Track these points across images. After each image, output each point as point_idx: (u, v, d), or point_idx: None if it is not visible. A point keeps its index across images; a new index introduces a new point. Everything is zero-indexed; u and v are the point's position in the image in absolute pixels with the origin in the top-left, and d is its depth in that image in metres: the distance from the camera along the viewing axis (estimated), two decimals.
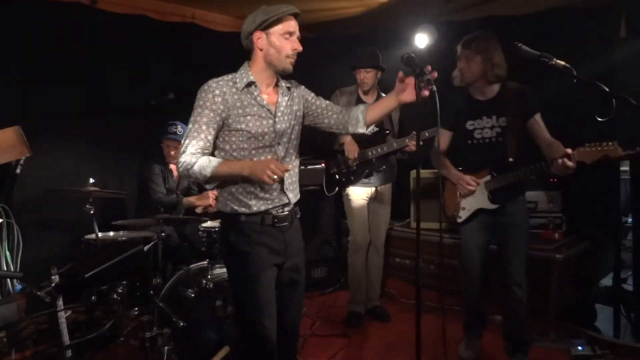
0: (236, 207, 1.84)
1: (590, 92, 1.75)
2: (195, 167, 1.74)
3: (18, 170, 2.58)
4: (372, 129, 3.22)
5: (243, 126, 1.80)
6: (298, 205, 2.01)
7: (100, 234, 2.94)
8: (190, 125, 1.80)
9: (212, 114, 1.78)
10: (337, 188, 3.35)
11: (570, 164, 2.16)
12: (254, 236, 1.83)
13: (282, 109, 1.90)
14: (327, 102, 2.07)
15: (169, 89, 3.57)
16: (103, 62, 3.55)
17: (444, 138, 2.71)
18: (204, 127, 1.78)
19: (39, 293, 1.63)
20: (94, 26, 3.51)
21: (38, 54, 3.26)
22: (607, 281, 3.54)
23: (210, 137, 1.80)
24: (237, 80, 1.84)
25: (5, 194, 2.54)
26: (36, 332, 1.48)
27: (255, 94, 1.84)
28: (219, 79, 1.85)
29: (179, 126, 3.44)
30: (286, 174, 1.85)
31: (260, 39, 1.81)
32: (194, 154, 1.76)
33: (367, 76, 3.23)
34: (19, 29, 3.17)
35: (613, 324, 3.02)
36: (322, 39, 4.50)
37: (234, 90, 1.82)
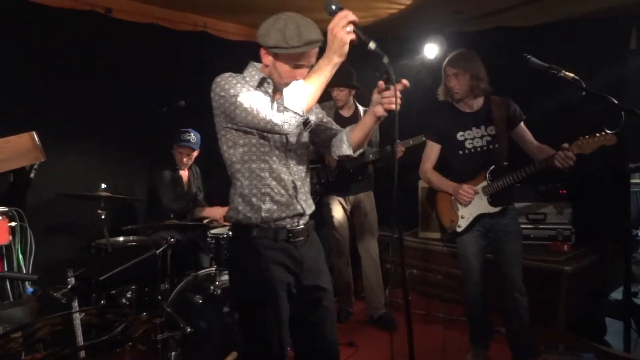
0: (249, 214, 1.69)
1: (599, 104, 1.76)
2: (287, 103, 1.51)
3: (32, 175, 2.62)
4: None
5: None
6: (313, 217, 1.90)
7: (110, 239, 2.98)
8: (238, 92, 1.57)
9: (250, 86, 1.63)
10: (317, 197, 3.42)
11: (570, 154, 2.25)
12: (267, 253, 1.69)
13: None
14: (328, 117, 1.95)
15: (180, 97, 3.64)
16: (116, 70, 3.62)
17: (433, 151, 2.77)
18: (255, 89, 1.61)
19: (55, 294, 1.66)
20: (108, 34, 3.58)
21: (53, 61, 3.33)
22: (617, 294, 3.50)
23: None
24: (248, 78, 1.70)
25: (19, 197, 2.59)
26: (50, 334, 1.51)
27: (270, 91, 1.69)
28: (228, 73, 1.68)
29: (192, 133, 3.48)
30: (298, 182, 1.76)
31: (265, 58, 1.67)
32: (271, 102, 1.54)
33: (340, 94, 3.36)
34: (35, 36, 3.25)
35: (623, 338, 2.97)
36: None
37: (246, 82, 1.66)
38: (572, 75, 1.79)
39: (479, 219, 2.65)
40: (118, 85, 3.63)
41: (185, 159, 3.52)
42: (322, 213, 3.52)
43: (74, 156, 3.51)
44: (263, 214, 1.69)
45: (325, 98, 3.47)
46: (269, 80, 1.69)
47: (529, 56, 1.94)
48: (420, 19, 3.96)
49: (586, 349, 2.81)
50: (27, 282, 2.44)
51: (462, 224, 2.68)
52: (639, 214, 3.54)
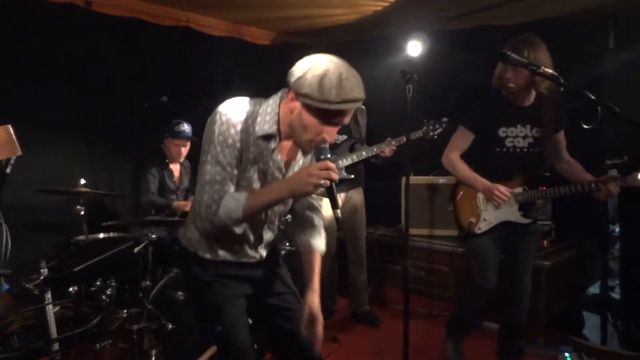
0: (201, 250, 1.60)
1: (577, 101, 1.79)
2: (221, 212, 1.43)
3: (8, 170, 2.55)
4: (342, 137, 3.26)
5: (247, 174, 1.51)
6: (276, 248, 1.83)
7: (89, 235, 2.93)
8: (207, 166, 1.45)
9: (233, 151, 1.45)
10: None
11: (617, 189, 2.14)
12: (219, 270, 1.62)
13: (295, 168, 1.60)
14: None
15: (163, 92, 3.58)
16: (96, 64, 3.55)
17: (465, 140, 2.48)
18: (228, 169, 1.45)
19: (27, 285, 1.62)
20: (88, 28, 3.51)
21: (30, 54, 3.26)
22: (594, 289, 3.58)
23: (233, 180, 1.48)
24: (259, 119, 1.48)
25: None
26: (23, 327, 1.48)
27: (272, 146, 1.50)
28: (243, 106, 1.48)
29: (184, 124, 3.48)
30: (266, 234, 1.66)
31: (294, 102, 1.43)
32: (215, 200, 1.44)
33: None
34: (11, 28, 3.17)
35: (600, 331, 3.04)
36: (316, 45, 4.54)
37: (251, 130, 1.48)
38: (550, 71, 1.81)
39: (501, 225, 2.46)
40: (98, 80, 3.57)
41: (183, 150, 3.52)
42: None
43: (52, 151, 3.45)
44: (217, 256, 1.61)
45: None
46: (276, 138, 1.49)
47: (508, 52, 1.95)
48: (404, 17, 3.98)
49: (565, 343, 2.86)
50: (1, 279, 2.38)
51: (483, 226, 2.47)
52: (616, 210, 3.61)
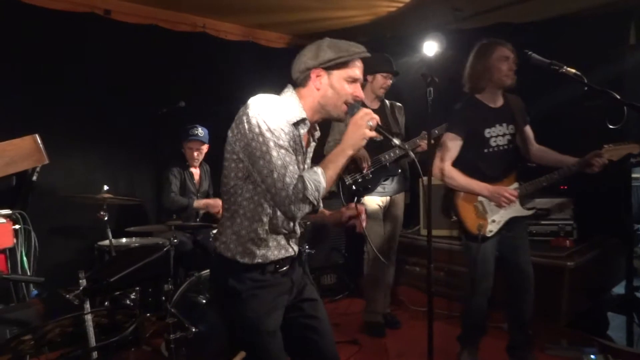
0: (238, 255, 1.56)
1: (600, 100, 1.77)
2: (308, 187, 1.42)
3: (34, 178, 2.63)
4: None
5: None
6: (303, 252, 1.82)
7: (113, 241, 2.98)
8: (272, 153, 1.43)
9: (286, 136, 1.49)
10: (355, 198, 3.27)
11: (603, 160, 2.24)
12: (256, 284, 1.58)
13: (310, 153, 1.69)
14: None
15: (180, 98, 3.65)
16: (116, 71, 3.61)
17: (455, 147, 2.55)
18: (290, 151, 1.47)
19: (67, 296, 1.66)
20: (107, 36, 3.58)
21: (53, 63, 3.34)
22: (619, 289, 3.52)
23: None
24: (287, 109, 1.54)
25: (22, 200, 2.59)
26: (61, 335, 1.51)
27: (302, 132, 1.58)
28: (271, 98, 1.54)
29: (199, 128, 3.56)
30: (297, 227, 1.67)
31: (320, 78, 1.56)
32: (298, 179, 1.44)
33: (387, 82, 3.25)
34: (33, 38, 3.25)
35: (626, 332, 2.99)
36: None
37: (286, 120, 1.52)
38: (573, 71, 1.79)
39: (508, 222, 2.51)
40: (118, 86, 3.63)
41: (195, 154, 3.60)
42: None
43: (76, 158, 3.53)
44: (256, 260, 1.57)
45: None
46: (307, 122, 1.58)
47: (530, 53, 1.94)
48: (419, 17, 3.96)
49: (589, 344, 2.82)
50: (31, 285, 2.44)
51: (494, 228, 2.50)
52: None
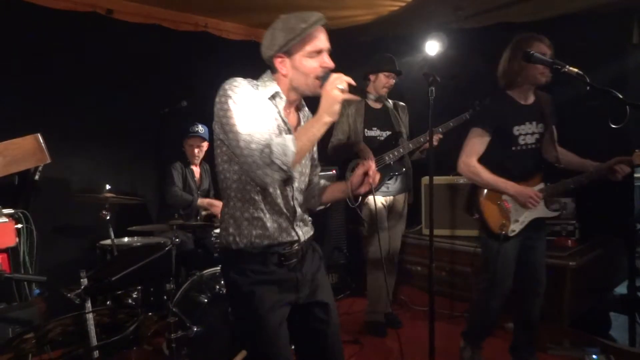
0: (237, 238, 1.56)
1: (602, 99, 1.76)
2: (275, 151, 1.41)
3: (37, 177, 2.64)
4: (386, 133, 3.25)
5: None
6: (314, 239, 1.76)
7: (115, 240, 2.99)
8: (241, 123, 1.45)
9: (256, 106, 1.51)
10: (360, 197, 3.30)
11: (628, 169, 2.23)
12: (258, 277, 1.56)
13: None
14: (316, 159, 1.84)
15: (182, 97, 3.66)
16: (118, 70, 3.62)
17: (482, 143, 2.46)
18: (260, 118, 1.48)
19: (69, 295, 1.66)
20: (110, 35, 3.59)
21: (55, 63, 3.35)
22: (621, 289, 3.51)
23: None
24: (261, 87, 1.59)
25: (24, 200, 2.60)
26: (63, 334, 1.52)
27: (280, 107, 1.59)
28: (243, 79, 1.57)
29: (199, 125, 3.59)
30: (298, 207, 1.64)
31: (283, 63, 1.55)
32: (265, 145, 1.43)
33: (390, 81, 3.26)
34: (36, 38, 3.26)
35: (628, 332, 2.99)
36: (333, 47, 4.55)
37: (257, 94, 1.56)
38: (576, 70, 1.79)
39: (532, 222, 2.46)
40: (121, 86, 3.64)
41: (196, 151, 3.62)
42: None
43: (78, 158, 3.54)
44: (253, 239, 1.56)
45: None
46: (281, 95, 1.59)
47: (532, 52, 1.93)
48: (421, 16, 3.96)
49: (591, 344, 2.82)
50: (33, 284, 2.45)
51: (516, 228, 2.45)
52: None
